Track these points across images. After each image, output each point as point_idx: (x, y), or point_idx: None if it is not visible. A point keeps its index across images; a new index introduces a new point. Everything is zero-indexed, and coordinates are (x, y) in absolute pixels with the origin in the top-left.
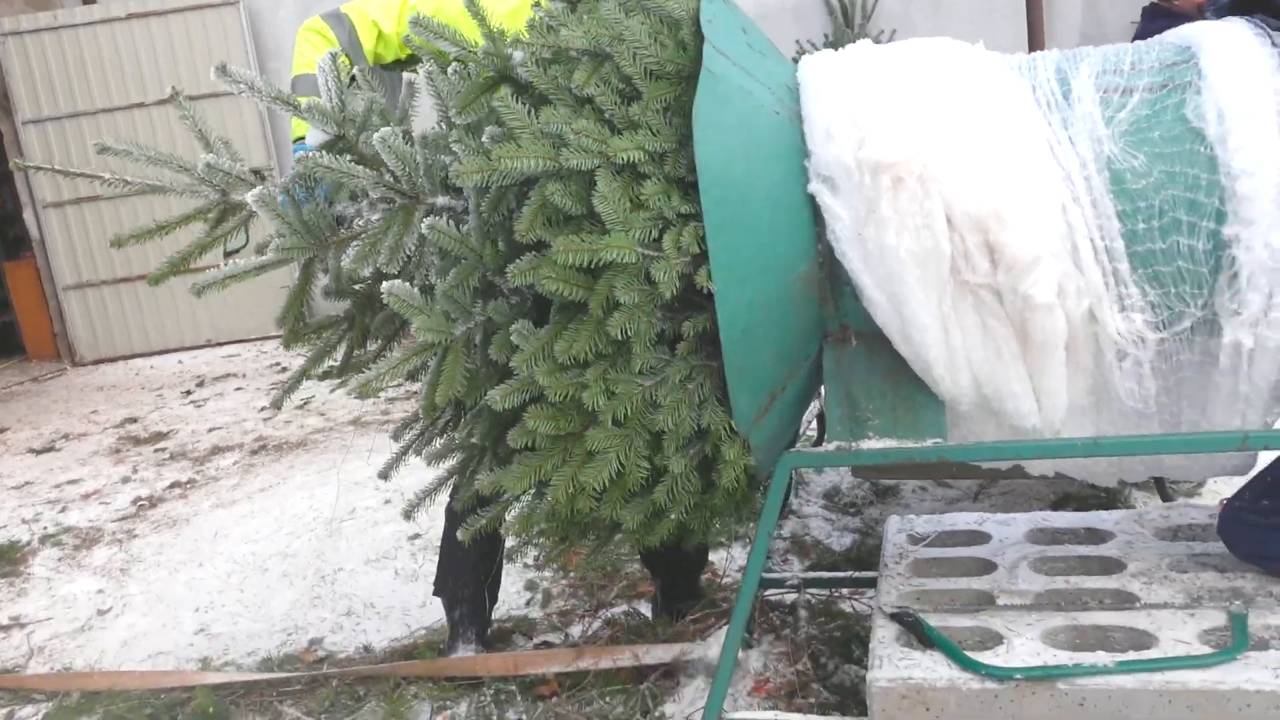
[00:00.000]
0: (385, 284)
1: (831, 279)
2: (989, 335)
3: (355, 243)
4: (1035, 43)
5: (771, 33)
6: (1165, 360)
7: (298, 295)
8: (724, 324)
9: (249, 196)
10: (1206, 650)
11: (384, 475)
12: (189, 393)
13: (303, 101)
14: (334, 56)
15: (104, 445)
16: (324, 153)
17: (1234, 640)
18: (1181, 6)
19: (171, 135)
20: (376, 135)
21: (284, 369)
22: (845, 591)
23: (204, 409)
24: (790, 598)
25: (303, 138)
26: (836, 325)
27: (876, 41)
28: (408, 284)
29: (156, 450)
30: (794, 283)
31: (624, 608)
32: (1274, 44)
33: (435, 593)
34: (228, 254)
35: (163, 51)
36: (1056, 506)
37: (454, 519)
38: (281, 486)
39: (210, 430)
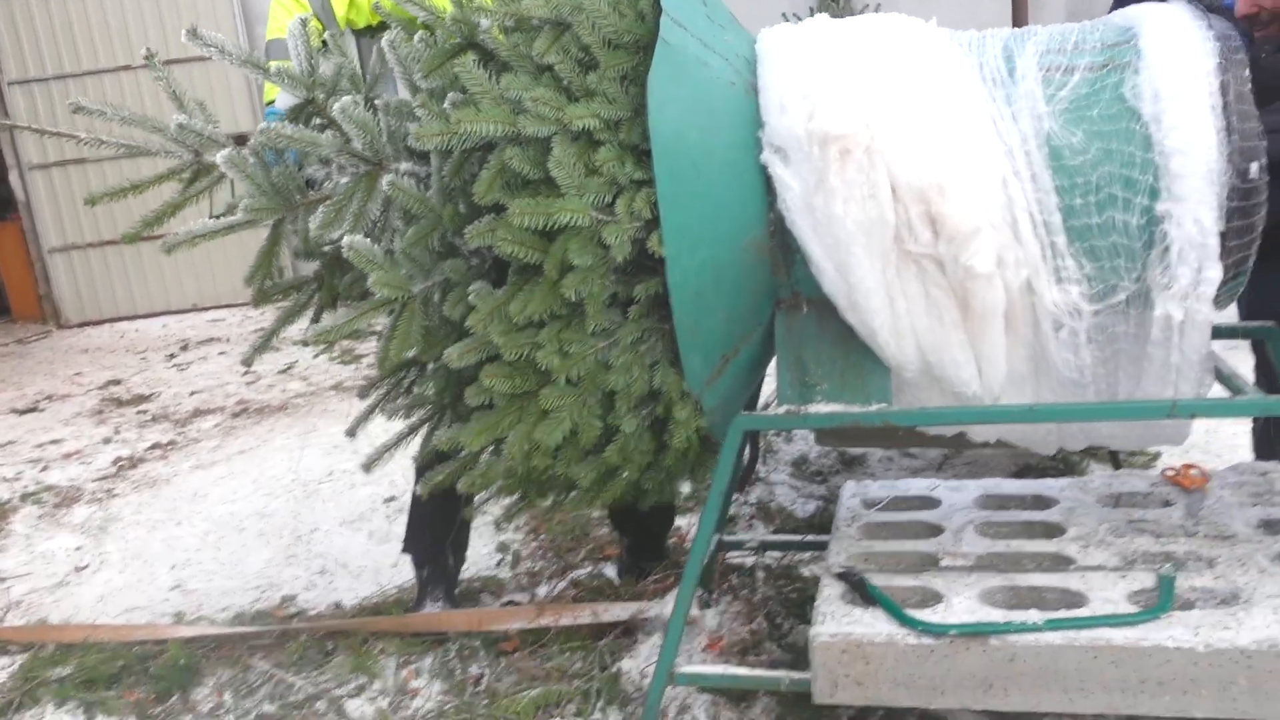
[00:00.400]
0: (346, 239)
1: (783, 247)
2: (932, 303)
3: (322, 206)
4: (1019, 19)
5: (759, 5)
6: (1100, 331)
7: (266, 256)
8: (674, 287)
9: (218, 158)
10: (1133, 610)
11: (350, 433)
12: (173, 356)
13: (271, 66)
14: (304, 21)
15: (86, 406)
16: (287, 121)
17: (1160, 600)
18: None
19: (158, 98)
20: (336, 105)
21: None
22: (807, 556)
23: (187, 372)
24: (750, 560)
25: (274, 101)
26: (789, 292)
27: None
28: (367, 239)
29: (139, 412)
30: (746, 249)
31: (590, 569)
32: (1210, 26)
33: (404, 549)
34: (214, 217)
35: (150, 15)
36: (1018, 476)
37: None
38: (261, 449)
39: (192, 393)
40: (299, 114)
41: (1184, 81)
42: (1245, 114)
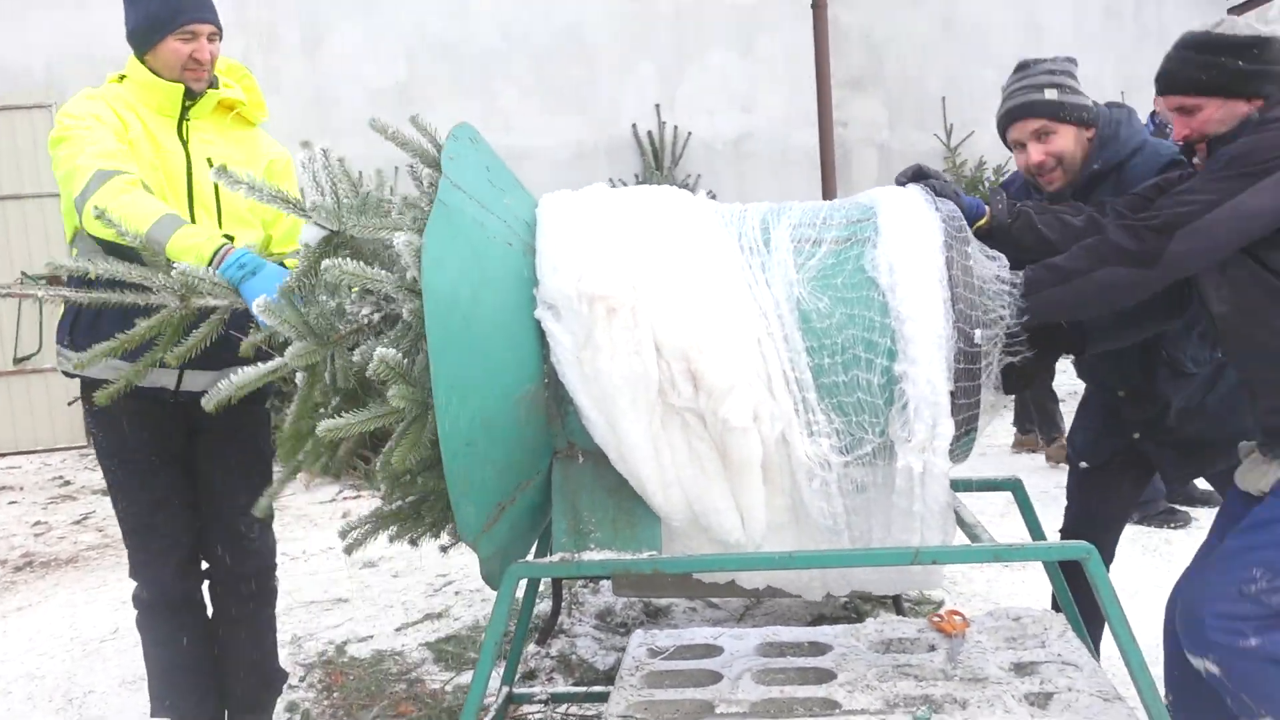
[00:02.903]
0: (378, 351)
1: (557, 399)
2: (695, 455)
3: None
4: (829, 192)
5: (588, 170)
6: (851, 482)
7: (305, 400)
8: (444, 437)
9: (255, 305)
10: None
11: (348, 551)
12: None
13: (308, 203)
14: (325, 151)
15: None
16: (314, 252)
17: None
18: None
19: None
20: (400, 240)
21: (67, 482)
22: (601, 707)
23: None
24: (540, 714)
25: (221, 250)
26: (564, 442)
27: (683, 185)
28: (398, 353)
29: None
30: (520, 401)
31: None
32: (938, 209)
33: (154, 714)
34: (18, 360)
35: None
36: (814, 625)
37: (145, 619)
38: (42, 605)
39: None
40: (327, 245)
41: (916, 255)
42: (969, 286)
